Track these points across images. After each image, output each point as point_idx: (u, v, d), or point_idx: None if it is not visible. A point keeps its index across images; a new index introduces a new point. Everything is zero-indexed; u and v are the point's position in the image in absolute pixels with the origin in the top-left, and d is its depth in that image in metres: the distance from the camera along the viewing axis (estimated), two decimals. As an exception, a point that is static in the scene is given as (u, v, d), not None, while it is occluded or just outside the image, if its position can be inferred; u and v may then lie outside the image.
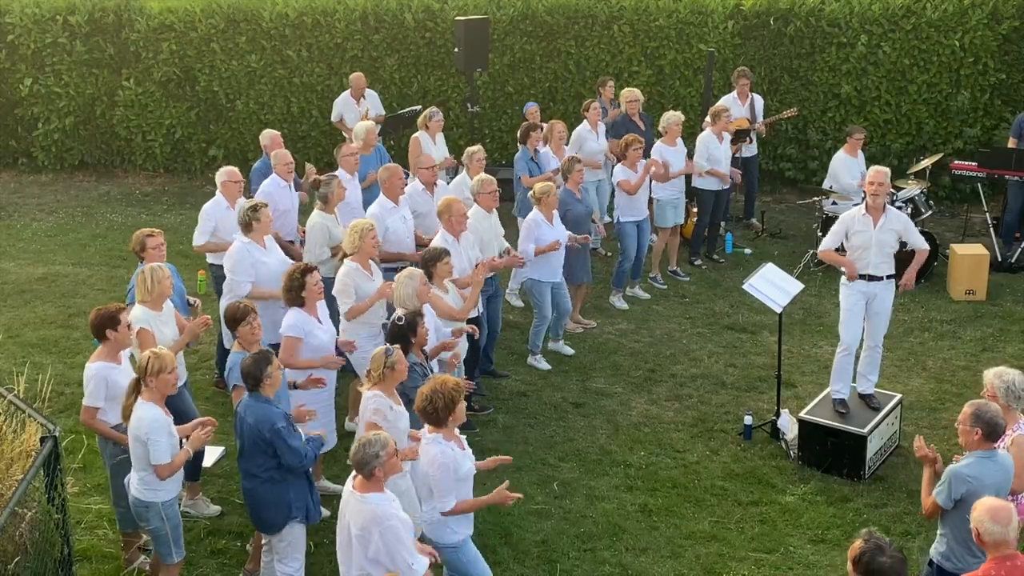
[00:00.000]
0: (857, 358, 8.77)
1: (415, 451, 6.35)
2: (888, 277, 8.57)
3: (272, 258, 8.61)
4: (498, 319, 9.97)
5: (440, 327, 8.02)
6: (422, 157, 10.43)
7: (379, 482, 5.66)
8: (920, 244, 8.65)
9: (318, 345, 7.65)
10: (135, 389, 6.36)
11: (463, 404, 6.17)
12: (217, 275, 9.31)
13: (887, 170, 8.55)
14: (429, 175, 10.10)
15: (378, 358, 6.66)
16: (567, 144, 11.97)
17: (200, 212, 9.55)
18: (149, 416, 6.30)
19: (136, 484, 6.47)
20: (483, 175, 9.82)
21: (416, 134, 11.94)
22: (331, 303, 8.27)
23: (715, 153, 12.13)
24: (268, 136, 11.01)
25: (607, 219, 12.24)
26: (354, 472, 5.83)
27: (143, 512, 6.48)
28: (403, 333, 7.11)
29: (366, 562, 5.63)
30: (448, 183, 11.05)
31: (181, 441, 6.55)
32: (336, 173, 9.79)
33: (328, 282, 8.93)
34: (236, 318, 7.14)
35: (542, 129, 11.70)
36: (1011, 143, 12.85)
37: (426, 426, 6.20)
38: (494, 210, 9.75)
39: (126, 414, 6.38)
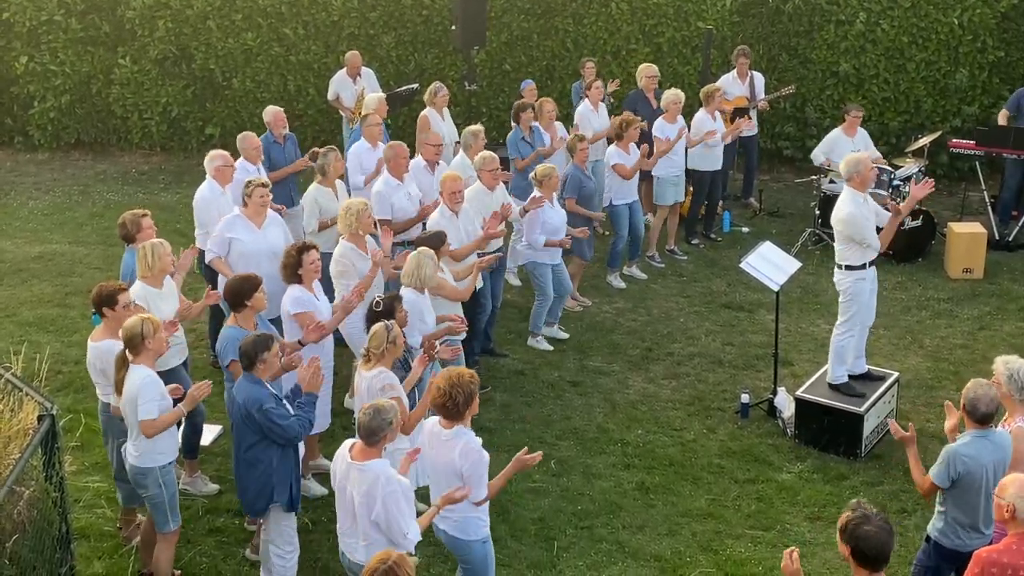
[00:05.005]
0: None
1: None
2: None
3: (252, 238, 8.50)
4: (499, 294, 9.99)
5: (432, 311, 7.96)
6: (429, 134, 10.38)
7: (380, 450, 5.62)
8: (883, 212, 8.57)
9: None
10: (123, 362, 6.40)
11: (478, 396, 5.96)
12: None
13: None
14: (432, 153, 10.08)
15: (379, 335, 6.64)
16: (557, 121, 11.88)
17: (194, 206, 9.32)
18: (140, 375, 6.34)
19: (132, 451, 6.52)
20: (486, 152, 9.81)
21: (424, 111, 11.90)
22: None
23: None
24: (269, 113, 10.98)
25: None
26: (348, 443, 5.79)
27: (141, 479, 6.53)
28: (380, 318, 7.02)
29: (369, 526, 5.56)
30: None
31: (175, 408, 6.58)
32: (334, 146, 9.73)
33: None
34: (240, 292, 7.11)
35: (534, 108, 11.58)
36: (1002, 117, 12.80)
37: (439, 421, 5.95)
38: (498, 187, 9.74)
39: (119, 388, 6.41)
